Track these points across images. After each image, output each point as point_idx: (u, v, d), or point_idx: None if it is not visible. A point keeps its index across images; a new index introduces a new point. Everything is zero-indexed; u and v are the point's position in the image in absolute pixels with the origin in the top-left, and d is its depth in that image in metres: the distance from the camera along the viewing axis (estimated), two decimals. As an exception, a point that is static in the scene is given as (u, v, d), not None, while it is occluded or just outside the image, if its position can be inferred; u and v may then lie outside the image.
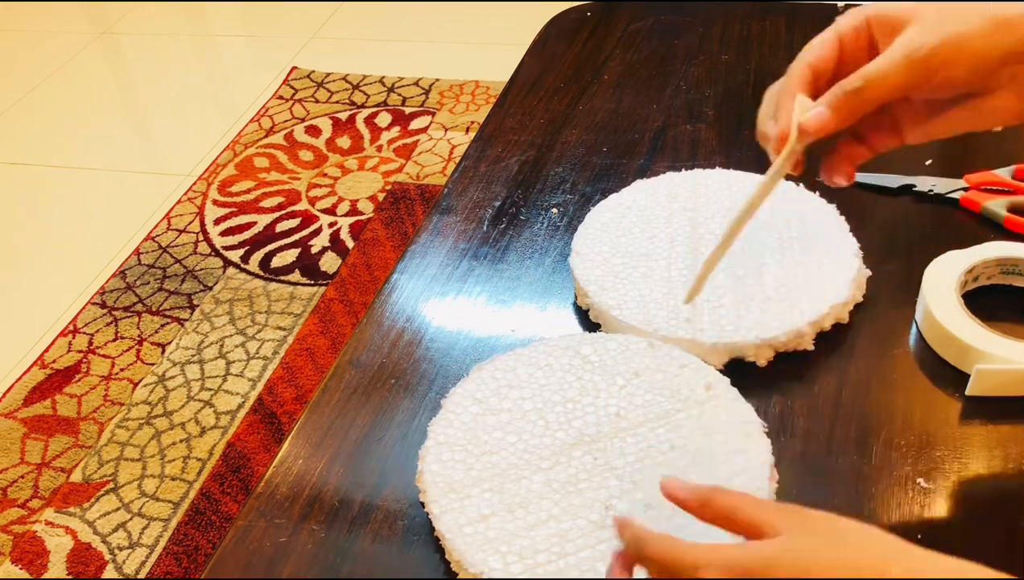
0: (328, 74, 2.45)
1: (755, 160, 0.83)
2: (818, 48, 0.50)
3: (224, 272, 1.85)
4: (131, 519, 1.39)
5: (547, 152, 0.88)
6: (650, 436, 0.57)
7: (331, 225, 1.93)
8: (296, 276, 1.81)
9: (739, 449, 0.56)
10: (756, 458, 0.55)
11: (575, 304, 0.71)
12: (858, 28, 0.50)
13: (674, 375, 0.61)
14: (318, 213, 1.97)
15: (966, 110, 0.48)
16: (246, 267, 1.85)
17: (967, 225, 0.74)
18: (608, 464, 0.56)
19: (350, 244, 1.87)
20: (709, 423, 0.57)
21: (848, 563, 0.38)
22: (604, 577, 0.50)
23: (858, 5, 0.52)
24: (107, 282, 1.85)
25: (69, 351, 1.71)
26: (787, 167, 0.51)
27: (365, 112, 2.28)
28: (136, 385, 1.62)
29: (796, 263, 0.68)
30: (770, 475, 0.55)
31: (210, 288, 1.81)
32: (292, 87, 2.42)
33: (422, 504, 0.56)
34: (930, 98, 0.49)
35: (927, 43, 0.46)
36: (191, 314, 1.75)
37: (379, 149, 2.15)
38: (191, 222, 1.99)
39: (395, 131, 2.20)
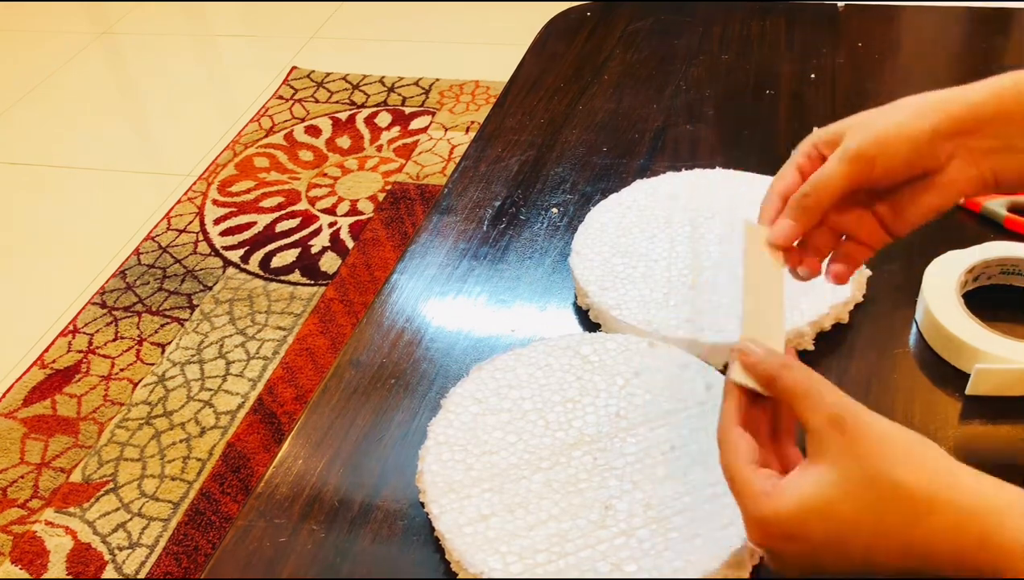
0: (328, 74, 2.45)
1: (755, 160, 0.83)
2: (780, 178, 0.56)
3: (224, 272, 1.85)
4: (131, 519, 1.39)
5: (547, 152, 0.88)
6: (650, 436, 0.57)
7: (331, 225, 1.93)
8: (296, 276, 1.81)
9: (739, 449, 0.56)
10: (756, 458, 0.55)
11: (575, 304, 0.71)
12: (811, 154, 0.55)
13: (674, 375, 0.61)
14: (318, 213, 1.97)
15: (927, 191, 0.52)
16: (246, 267, 1.85)
17: (967, 225, 0.74)
18: (608, 464, 0.56)
19: (350, 244, 1.87)
20: (709, 423, 0.57)
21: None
22: (604, 576, 0.50)
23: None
24: (107, 282, 1.85)
25: (69, 351, 1.71)
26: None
27: (365, 112, 2.28)
28: (136, 385, 1.62)
29: (796, 263, 0.68)
30: (770, 475, 0.55)
31: (210, 288, 1.81)
32: (292, 87, 2.42)
33: (422, 504, 0.56)
34: (891, 188, 0.53)
35: (857, 141, 0.52)
36: (191, 314, 1.75)
37: (379, 149, 2.15)
38: (191, 222, 1.99)
39: (395, 131, 2.20)
